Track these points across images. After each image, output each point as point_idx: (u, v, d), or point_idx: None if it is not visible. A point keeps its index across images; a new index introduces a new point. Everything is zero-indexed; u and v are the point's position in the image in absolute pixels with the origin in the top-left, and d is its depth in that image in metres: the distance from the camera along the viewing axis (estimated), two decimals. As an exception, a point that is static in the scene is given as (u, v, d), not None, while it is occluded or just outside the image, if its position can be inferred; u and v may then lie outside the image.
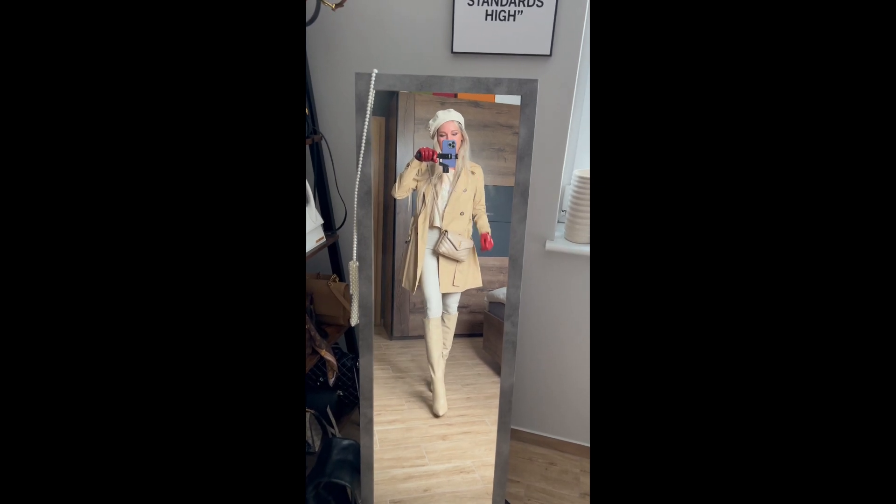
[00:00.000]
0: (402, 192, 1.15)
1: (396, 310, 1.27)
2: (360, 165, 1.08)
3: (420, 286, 1.24)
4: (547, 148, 1.34)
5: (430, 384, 1.33)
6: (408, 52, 1.34)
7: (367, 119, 1.06)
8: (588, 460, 1.69)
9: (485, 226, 1.18)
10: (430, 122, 1.11)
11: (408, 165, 1.13)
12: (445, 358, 1.32)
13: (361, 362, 1.24)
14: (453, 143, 1.11)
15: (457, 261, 1.20)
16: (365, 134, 1.06)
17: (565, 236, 1.44)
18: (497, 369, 1.29)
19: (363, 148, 1.07)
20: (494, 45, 1.25)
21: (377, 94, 1.07)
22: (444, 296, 1.26)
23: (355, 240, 1.14)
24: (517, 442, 1.76)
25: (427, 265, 1.21)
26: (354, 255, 1.15)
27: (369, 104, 1.05)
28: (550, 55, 1.23)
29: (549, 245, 1.40)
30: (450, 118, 1.10)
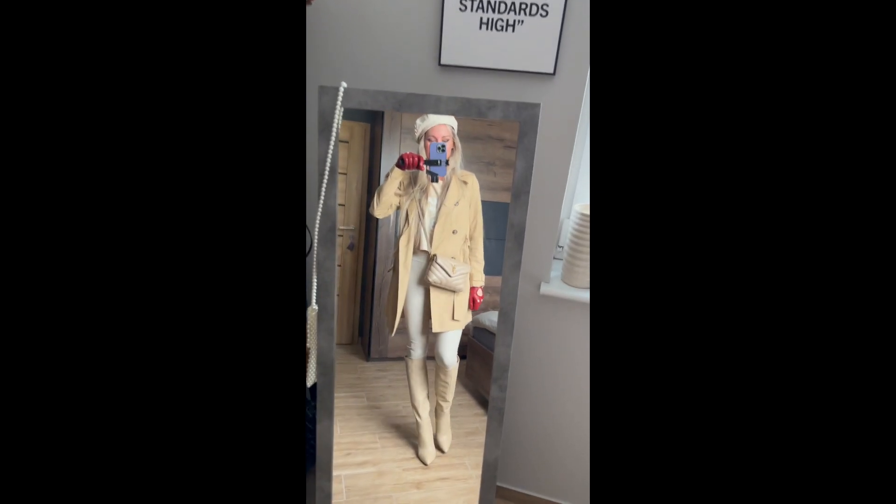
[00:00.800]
0: (381, 209, 0.96)
1: (375, 328, 1.13)
2: (321, 196, 0.89)
3: (403, 324, 1.05)
4: (545, 179, 1.16)
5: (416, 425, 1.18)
6: (388, 62, 1.15)
7: (332, 141, 0.87)
8: (579, 526, 1.51)
9: (477, 274, 0.99)
10: (418, 122, 0.92)
11: (387, 176, 0.94)
12: (447, 414, 1.15)
13: (319, 428, 1.04)
14: (443, 146, 0.91)
15: (453, 291, 1.00)
16: (329, 159, 0.87)
17: (562, 279, 1.26)
18: (480, 400, 1.14)
19: (326, 176, 0.88)
20: (489, 59, 1.07)
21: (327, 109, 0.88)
22: (440, 338, 1.07)
23: (315, 285, 0.95)
24: (503, 501, 1.57)
25: (411, 299, 1.03)
26: (313, 300, 0.95)
27: (335, 124, 0.86)
28: (554, 74, 1.05)
29: (545, 289, 1.22)
30: (441, 121, 0.91)
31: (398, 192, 0.95)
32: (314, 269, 0.95)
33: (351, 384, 1.18)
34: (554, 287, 1.23)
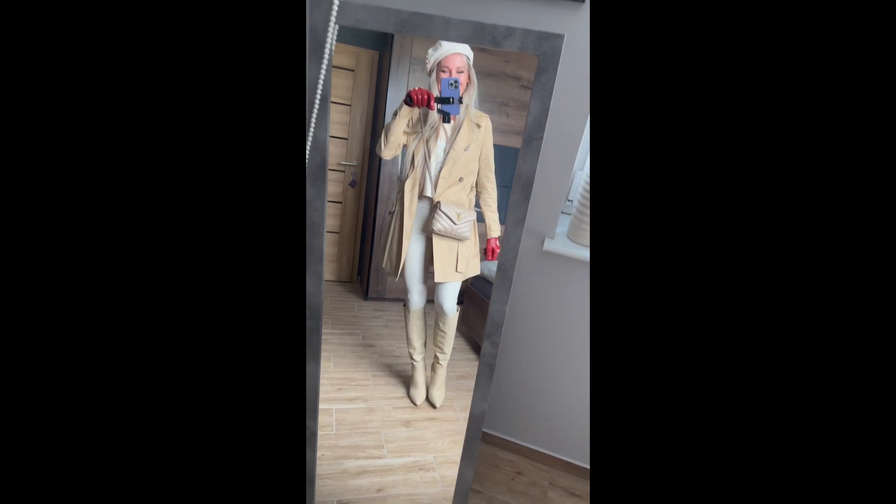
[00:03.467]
0: (389, 149, 0.89)
1: (373, 269, 1.12)
2: (311, 128, 0.80)
3: (402, 272, 1.01)
4: (561, 124, 1.05)
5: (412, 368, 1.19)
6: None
7: (324, 64, 0.76)
8: (558, 473, 1.56)
9: (493, 224, 0.92)
10: (430, 51, 0.83)
11: (395, 114, 0.86)
12: (443, 367, 1.14)
13: (308, 370, 1.02)
14: (456, 81, 0.82)
15: (458, 240, 0.95)
16: (320, 85, 0.77)
17: (568, 235, 1.19)
18: (474, 345, 1.15)
19: (317, 104, 0.78)
20: (511, -22, 0.93)
21: (318, 26, 0.77)
22: (440, 287, 1.03)
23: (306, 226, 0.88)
24: (485, 445, 1.61)
25: (413, 245, 0.98)
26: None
27: (328, 44, 0.75)
28: (584, 0, 0.91)
29: (548, 245, 1.16)
30: (456, 50, 0.82)
31: (406, 129, 0.87)
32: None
33: (347, 322, 1.19)
34: (559, 244, 1.16)
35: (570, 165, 1.10)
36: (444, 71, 0.83)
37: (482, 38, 0.74)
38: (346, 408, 1.23)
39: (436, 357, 1.14)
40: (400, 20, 0.74)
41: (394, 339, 1.23)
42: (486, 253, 0.96)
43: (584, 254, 1.14)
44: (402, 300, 1.12)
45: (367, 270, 1.12)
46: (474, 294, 1.11)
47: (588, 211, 1.13)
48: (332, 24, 0.74)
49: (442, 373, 1.16)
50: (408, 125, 0.87)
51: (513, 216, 0.85)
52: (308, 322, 0.97)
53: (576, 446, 1.51)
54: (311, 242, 0.90)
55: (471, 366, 1.15)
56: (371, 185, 1.03)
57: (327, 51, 0.75)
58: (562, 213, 1.23)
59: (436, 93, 0.84)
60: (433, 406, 1.20)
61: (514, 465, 1.57)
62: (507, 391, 1.50)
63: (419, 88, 0.84)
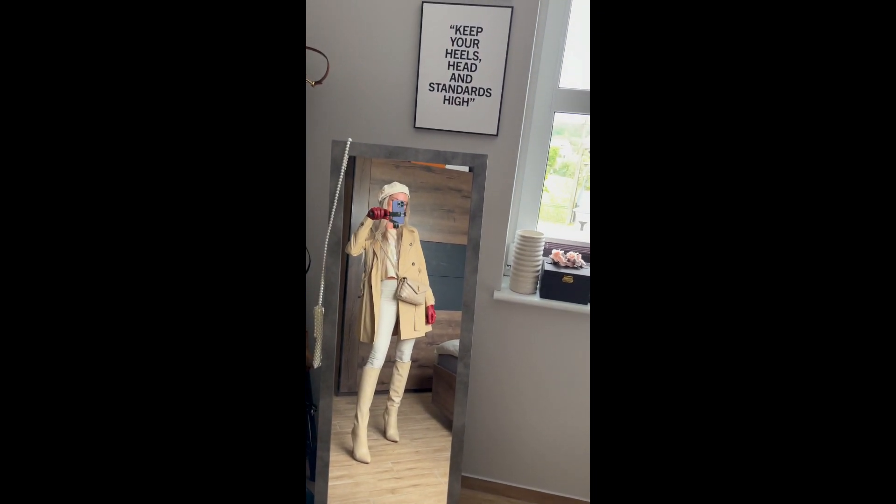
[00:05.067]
0: (357, 248, 1.28)
1: (344, 365, 1.31)
2: (331, 219, 1.22)
3: (373, 336, 1.30)
4: (494, 212, 1.55)
5: (354, 431, 1.35)
6: (376, 124, 1.54)
7: (340, 180, 1.21)
8: (534, 505, 1.75)
9: (430, 296, 1.30)
10: (386, 187, 1.27)
11: (361, 224, 1.27)
12: (396, 407, 1.36)
13: (322, 404, 1.29)
14: (402, 202, 1.27)
15: (416, 304, 1.30)
16: (338, 192, 1.21)
17: (510, 287, 1.62)
18: (446, 423, 1.35)
19: (335, 204, 1.21)
20: (450, 123, 1.48)
21: (337, 157, 1.23)
22: (402, 343, 1.35)
23: (322, 286, 1.25)
24: (466, 489, 1.80)
25: (383, 315, 1.30)
26: (321, 300, 1.25)
27: (343, 167, 1.21)
28: (497, 135, 1.47)
29: (497, 295, 1.58)
30: (400, 189, 1.27)
31: (368, 236, 1.27)
32: (322, 274, 1.26)
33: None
34: (505, 294, 1.58)
35: (503, 237, 1.58)
36: (393, 199, 1.26)
37: (438, 158, 1.24)
38: (333, 485, 1.34)
39: (391, 400, 1.34)
40: (388, 151, 1.23)
41: (370, 429, 1.34)
42: (427, 318, 1.30)
43: (523, 298, 1.57)
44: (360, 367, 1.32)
45: (338, 366, 1.30)
46: (442, 372, 1.31)
47: (522, 268, 1.58)
48: (346, 154, 1.21)
49: (394, 414, 1.35)
50: (369, 232, 1.27)
51: (469, 267, 1.27)
52: (324, 363, 1.28)
53: (547, 476, 1.76)
54: (328, 298, 1.26)
55: (445, 441, 1.34)
56: (338, 284, 1.26)
57: (342, 171, 1.21)
58: (504, 275, 1.67)
59: (388, 210, 1.27)
60: (394, 441, 1.35)
61: (495, 503, 1.76)
62: (479, 431, 1.76)
63: (377, 207, 1.27)
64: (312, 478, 1.67)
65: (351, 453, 1.35)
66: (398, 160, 1.25)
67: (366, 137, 1.55)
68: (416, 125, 1.50)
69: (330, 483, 1.33)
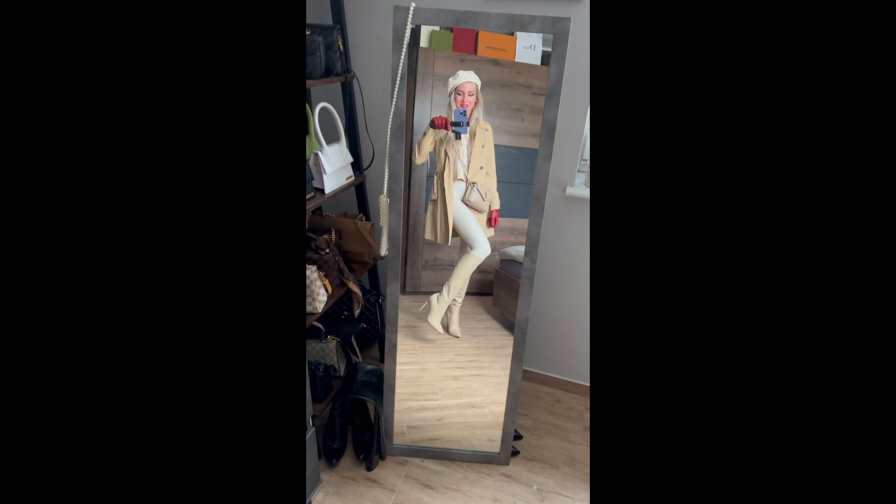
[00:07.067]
0: (421, 157, 1.21)
1: (410, 265, 1.31)
2: (394, 99, 1.13)
3: (458, 233, 1.28)
4: (573, 94, 1.37)
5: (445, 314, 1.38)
6: (441, -9, 1.36)
7: (403, 53, 1.10)
8: (593, 399, 1.79)
9: (496, 200, 1.23)
10: (450, 79, 1.15)
11: (424, 133, 1.19)
12: (458, 306, 1.37)
13: (388, 289, 1.32)
14: (465, 111, 1.15)
15: (480, 211, 1.25)
16: (401, 68, 1.11)
17: (585, 183, 1.49)
18: (506, 324, 1.36)
19: (398, 82, 1.12)
20: (528, -15, 1.26)
21: (399, 25, 1.10)
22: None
23: (387, 173, 1.21)
24: (525, 381, 1.87)
25: (463, 213, 1.27)
26: (385, 189, 1.22)
27: (406, 38, 1.08)
28: (583, -3, 1.24)
29: (570, 191, 1.46)
30: (468, 78, 1.15)
31: (433, 142, 1.19)
32: (386, 162, 1.21)
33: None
34: (578, 190, 1.46)
35: (582, 126, 1.41)
36: (459, 94, 1.15)
37: (513, 24, 1.07)
38: (400, 369, 1.43)
39: (453, 300, 1.37)
40: (455, 17, 1.08)
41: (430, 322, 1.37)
42: (489, 221, 1.25)
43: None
44: (437, 292, 1.33)
45: (404, 267, 1.31)
46: (503, 276, 1.30)
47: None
48: (409, 23, 1.07)
49: (457, 311, 1.38)
50: (433, 140, 1.19)
51: (542, 153, 1.16)
52: (390, 251, 1.28)
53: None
54: (393, 186, 1.22)
55: (505, 339, 1.36)
56: (401, 191, 1.22)
57: (405, 43, 1.09)
58: (578, 171, 1.52)
59: (451, 117, 1.16)
60: (457, 336, 1.41)
61: (553, 395, 1.82)
62: (539, 328, 1.77)
63: (440, 116, 1.17)
64: (382, 360, 1.81)
65: (422, 337, 1.41)
66: (461, 52, 1.12)
67: (431, 4, 1.37)
68: (488, -10, 1.30)
69: (398, 367, 1.42)
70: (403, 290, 1.34)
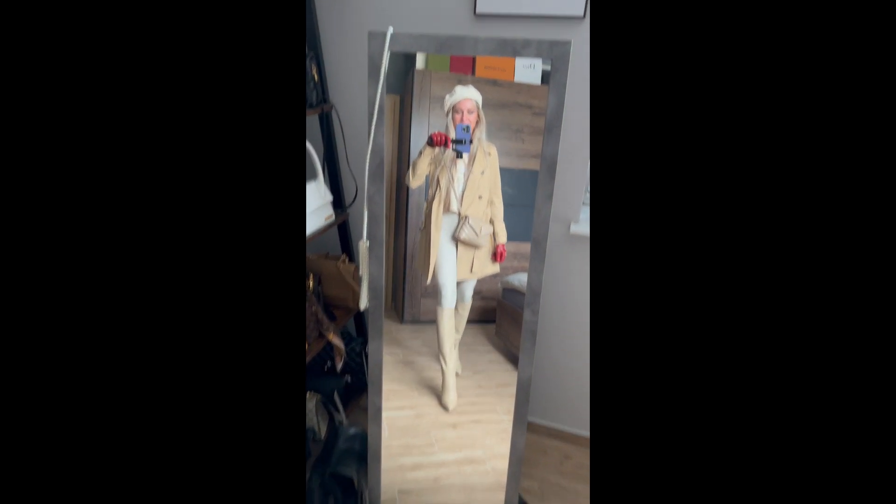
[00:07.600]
0: (416, 180, 1.08)
1: (408, 294, 1.22)
2: (371, 135, 0.99)
3: (434, 275, 1.16)
4: (574, 124, 1.23)
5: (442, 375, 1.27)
6: (426, 12, 1.23)
7: (380, 84, 0.96)
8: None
9: (501, 232, 1.10)
10: (447, 97, 1.02)
11: (420, 153, 1.05)
12: (456, 345, 1.25)
13: (370, 348, 1.17)
14: (468, 126, 1.02)
15: (476, 247, 1.12)
16: (378, 101, 0.97)
17: (590, 220, 1.33)
18: (510, 357, 1.23)
19: (375, 116, 0.98)
20: (521, 5, 1.13)
21: (393, 68, 0.97)
22: (460, 283, 1.19)
23: (366, 217, 1.06)
24: (530, 434, 1.69)
25: (443, 253, 1.14)
26: (364, 233, 1.07)
27: (383, 67, 0.95)
28: (584, 17, 1.11)
29: (574, 228, 1.30)
30: (467, 95, 1.01)
31: (430, 164, 1.06)
32: (364, 205, 1.06)
33: (387, 342, 1.25)
34: (584, 227, 1.31)
35: (586, 158, 1.26)
36: (458, 112, 1.02)
37: (504, 49, 0.93)
38: (394, 415, 1.31)
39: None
40: (438, 42, 0.94)
41: (432, 357, 1.29)
42: (494, 256, 1.12)
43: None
44: (435, 320, 1.24)
45: (402, 295, 1.23)
46: (506, 307, 1.20)
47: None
48: (386, 51, 0.94)
49: (456, 348, 1.27)
50: (430, 160, 1.05)
51: (542, 193, 1.01)
52: (371, 303, 1.13)
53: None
54: (373, 231, 1.07)
55: (509, 376, 1.24)
56: (400, 215, 1.15)
57: (382, 73, 0.95)
58: (583, 204, 1.38)
59: (452, 134, 1.02)
60: (456, 374, 1.29)
61: (561, 450, 1.64)
62: (545, 376, 1.60)
63: (438, 132, 1.03)
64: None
65: (418, 386, 1.31)
66: (458, 72, 1.00)
67: (415, 29, 1.25)
68: (478, 11, 1.17)
69: (391, 413, 1.29)
70: (401, 320, 1.24)
